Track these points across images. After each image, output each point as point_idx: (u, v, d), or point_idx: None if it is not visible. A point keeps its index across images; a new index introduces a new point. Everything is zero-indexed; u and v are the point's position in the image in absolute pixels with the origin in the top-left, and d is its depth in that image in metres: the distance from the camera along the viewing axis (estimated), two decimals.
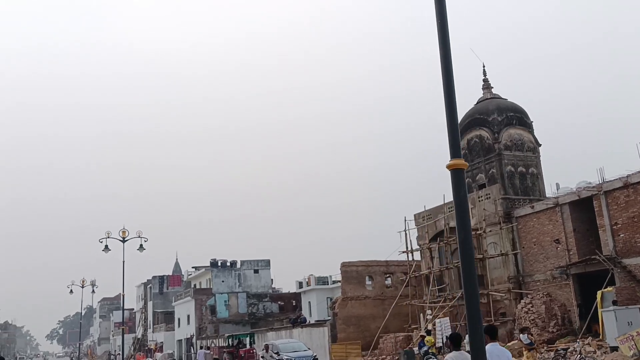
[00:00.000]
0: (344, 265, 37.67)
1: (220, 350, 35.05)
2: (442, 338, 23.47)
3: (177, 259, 77.60)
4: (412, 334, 32.58)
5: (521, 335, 18.70)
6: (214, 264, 58.21)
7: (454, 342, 8.22)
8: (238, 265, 58.76)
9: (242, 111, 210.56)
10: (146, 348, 70.80)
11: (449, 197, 34.46)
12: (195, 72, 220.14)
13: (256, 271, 58.72)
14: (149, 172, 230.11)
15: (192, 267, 66.27)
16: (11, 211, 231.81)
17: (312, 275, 53.87)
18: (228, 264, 58.83)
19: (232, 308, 56.19)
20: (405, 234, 35.38)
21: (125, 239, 34.09)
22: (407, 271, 39.02)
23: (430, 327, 26.33)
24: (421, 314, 29.50)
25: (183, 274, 68.90)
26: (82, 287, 53.22)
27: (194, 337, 54.71)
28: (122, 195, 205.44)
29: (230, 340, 34.73)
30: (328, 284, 53.01)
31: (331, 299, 53.05)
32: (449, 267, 31.84)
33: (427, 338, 21.65)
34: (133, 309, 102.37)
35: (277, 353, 25.76)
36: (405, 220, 35.48)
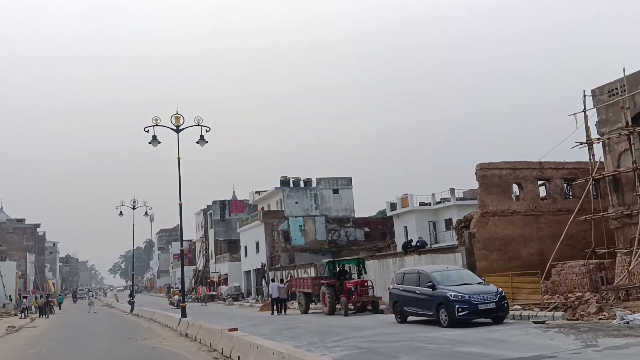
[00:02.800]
0: (482, 168, 26.68)
1: (315, 282, 25.19)
2: None
3: (234, 192, 68.36)
4: (605, 260, 21.78)
5: None
6: (284, 182, 48.44)
7: None
8: (313, 184, 48.78)
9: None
10: (208, 280, 63.17)
11: None
12: None
13: (335, 191, 48.65)
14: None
15: (256, 192, 56.72)
16: (73, 143, 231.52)
17: (408, 194, 43.33)
18: (301, 183, 48.94)
19: (309, 234, 46.69)
20: (584, 117, 23.95)
21: (180, 128, 24.19)
22: (568, 176, 27.85)
23: None
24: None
25: (247, 198, 59.54)
26: (134, 208, 44.60)
27: (266, 267, 45.73)
28: None
29: (330, 268, 24.63)
30: (431, 205, 42.44)
31: (434, 223, 42.68)
32: None
33: None
34: (192, 240, 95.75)
35: (433, 286, 15.42)
36: (583, 96, 23.98)
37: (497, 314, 15.04)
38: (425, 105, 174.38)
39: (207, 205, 66.61)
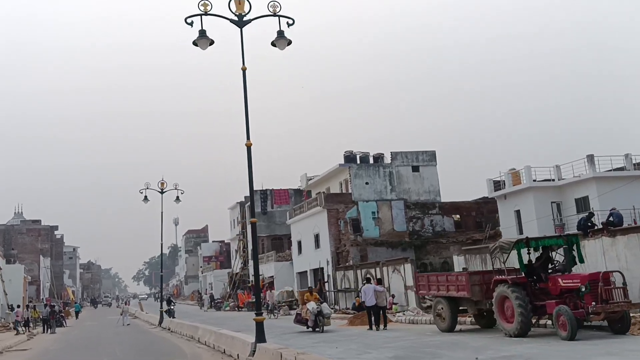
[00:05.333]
0: None
1: (475, 281, 14.59)
2: None
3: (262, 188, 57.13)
4: None
5: None
6: (349, 158, 38.25)
7: None
8: (387, 160, 38.52)
9: None
10: (248, 285, 53.21)
11: None
12: None
13: (416, 169, 38.29)
14: None
15: (308, 177, 46.59)
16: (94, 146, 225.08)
17: (524, 167, 32.75)
18: (370, 159, 38.76)
19: (384, 224, 36.40)
20: None
21: (245, 19, 14.28)
22: None
23: None
24: None
25: (299, 182, 49.26)
26: (162, 192, 35.03)
27: (330, 265, 35.56)
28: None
29: (520, 254, 13.84)
30: (556, 180, 31.86)
31: (558, 205, 32.05)
32: None
33: None
34: (223, 241, 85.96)
35: None
36: None
37: None
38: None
39: (245, 197, 56.81)
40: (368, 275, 26.06)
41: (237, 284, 57.11)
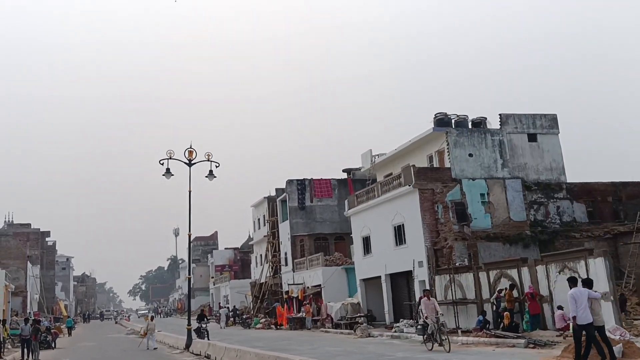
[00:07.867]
0: None
1: None
2: None
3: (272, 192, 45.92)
4: None
5: None
6: (443, 122, 28.26)
7: None
8: (494, 126, 28.62)
9: None
10: (285, 297, 42.99)
11: None
12: None
13: (532, 138, 28.43)
14: None
15: (375, 155, 35.64)
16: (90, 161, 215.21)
17: None
18: (469, 123, 28.84)
19: (497, 210, 26.41)
20: None
21: None
22: None
23: None
24: None
25: (361, 163, 38.80)
26: (190, 164, 25.03)
27: (425, 267, 25.41)
28: None
29: None
30: None
31: None
32: None
33: None
34: (237, 248, 75.72)
35: None
36: None
37: None
38: None
39: (276, 189, 46.96)
40: (585, 277, 15.98)
41: (265, 295, 46.92)
